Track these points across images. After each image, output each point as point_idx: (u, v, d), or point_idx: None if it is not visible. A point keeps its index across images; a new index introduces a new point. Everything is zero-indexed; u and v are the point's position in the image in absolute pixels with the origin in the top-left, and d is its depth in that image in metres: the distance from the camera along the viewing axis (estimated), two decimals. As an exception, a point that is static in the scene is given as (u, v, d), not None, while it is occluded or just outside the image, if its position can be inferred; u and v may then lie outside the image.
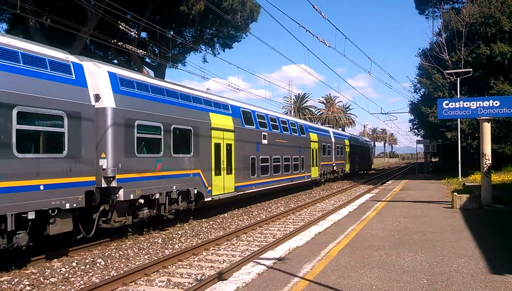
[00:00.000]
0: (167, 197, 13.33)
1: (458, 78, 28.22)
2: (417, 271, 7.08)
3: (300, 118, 46.68)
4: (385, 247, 8.94)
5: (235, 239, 12.63)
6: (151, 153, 12.73)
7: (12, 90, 8.59)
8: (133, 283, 8.40)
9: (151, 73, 33.68)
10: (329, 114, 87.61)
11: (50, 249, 10.12)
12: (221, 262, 9.94)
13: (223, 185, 16.79)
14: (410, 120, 42.80)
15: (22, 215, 8.62)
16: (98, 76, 11.30)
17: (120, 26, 20.31)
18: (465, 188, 21.97)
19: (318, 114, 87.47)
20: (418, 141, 48.26)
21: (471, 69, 27.86)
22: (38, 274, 8.75)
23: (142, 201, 12.15)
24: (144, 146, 12.51)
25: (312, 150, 29.58)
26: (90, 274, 8.97)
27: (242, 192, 18.42)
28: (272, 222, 15.62)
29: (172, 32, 31.36)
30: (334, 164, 36.32)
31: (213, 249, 11.26)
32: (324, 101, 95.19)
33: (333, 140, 36.63)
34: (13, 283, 8.19)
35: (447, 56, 30.36)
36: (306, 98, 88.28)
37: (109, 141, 11.20)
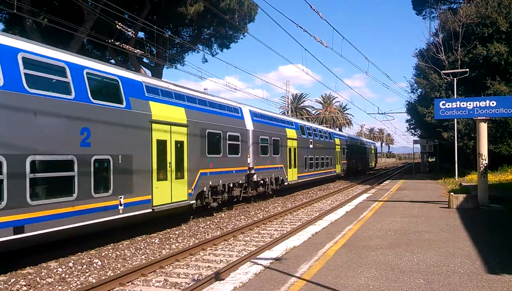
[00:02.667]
0: (270, 180, 21.82)
1: (455, 79, 28.30)
2: (414, 271, 7.10)
3: (297, 118, 48.79)
4: (382, 247, 8.96)
5: (232, 239, 12.63)
6: (264, 154, 21.31)
7: (224, 124, 17.19)
8: (130, 283, 8.39)
9: (148, 73, 33.58)
10: (326, 114, 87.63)
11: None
12: (218, 262, 9.94)
13: (292, 174, 25.43)
14: (407, 121, 42.81)
15: (227, 184, 17.33)
16: (245, 112, 19.96)
17: (117, 26, 20.28)
18: (462, 188, 22.03)
19: (315, 114, 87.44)
20: (415, 142, 48.28)
21: (467, 70, 27.94)
22: (34, 274, 8.72)
23: (262, 181, 21.06)
24: (262, 150, 21.03)
25: (336, 151, 37.99)
26: (87, 274, 8.95)
27: (301, 180, 27.18)
28: (269, 222, 15.62)
29: (169, 32, 31.31)
30: (350, 163, 44.31)
31: (210, 249, 11.26)
32: (322, 101, 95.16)
33: (349, 143, 44.37)
34: (9, 283, 8.16)
35: (443, 57, 30.40)
36: (304, 98, 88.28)
37: (251, 148, 19.77)
